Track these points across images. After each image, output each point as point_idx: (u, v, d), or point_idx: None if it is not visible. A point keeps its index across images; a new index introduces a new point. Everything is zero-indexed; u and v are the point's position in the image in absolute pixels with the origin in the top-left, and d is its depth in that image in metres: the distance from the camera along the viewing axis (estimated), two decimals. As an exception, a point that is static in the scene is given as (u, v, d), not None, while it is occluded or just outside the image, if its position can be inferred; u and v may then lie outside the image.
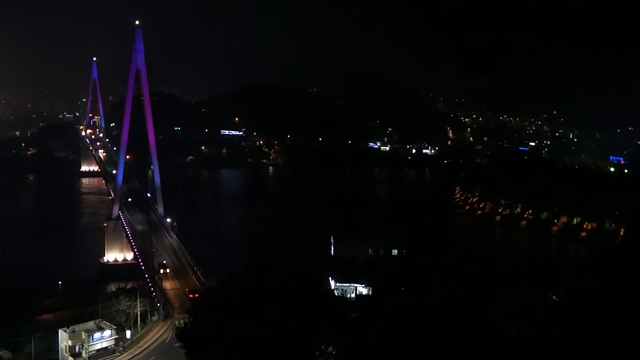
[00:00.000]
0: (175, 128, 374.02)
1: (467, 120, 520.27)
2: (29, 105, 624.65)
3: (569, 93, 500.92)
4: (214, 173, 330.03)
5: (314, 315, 50.06)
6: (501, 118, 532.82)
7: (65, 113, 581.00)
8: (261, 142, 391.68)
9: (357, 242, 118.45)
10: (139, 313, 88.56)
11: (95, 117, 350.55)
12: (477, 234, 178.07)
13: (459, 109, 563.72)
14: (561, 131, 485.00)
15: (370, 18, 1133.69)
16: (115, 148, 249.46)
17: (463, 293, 46.91)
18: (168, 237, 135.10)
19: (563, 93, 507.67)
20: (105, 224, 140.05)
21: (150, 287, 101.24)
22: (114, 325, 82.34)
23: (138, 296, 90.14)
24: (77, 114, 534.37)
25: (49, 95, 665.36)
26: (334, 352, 48.41)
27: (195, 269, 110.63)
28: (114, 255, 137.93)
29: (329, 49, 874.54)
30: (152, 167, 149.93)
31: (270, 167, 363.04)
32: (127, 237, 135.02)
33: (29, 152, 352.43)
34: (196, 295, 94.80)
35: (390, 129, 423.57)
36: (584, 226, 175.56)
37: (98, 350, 78.96)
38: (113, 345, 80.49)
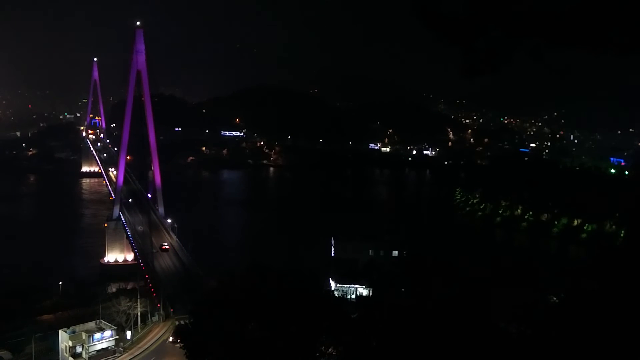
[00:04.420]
0: (176, 129, 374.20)
1: (467, 121, 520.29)
2: (29, 106, 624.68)
3: (569, 95, 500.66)
4: (214, 174, 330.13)
5: (314, 316, 50.08)
6: (502, 119, 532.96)
7: (66, 114, 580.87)
8: (262, 143, 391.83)
9: (358, 243, 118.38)
10: (139, 314, 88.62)
11: (96, 117, 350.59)
12: (477, 236, 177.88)
13: (460, 110, 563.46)
14: (562, 133, 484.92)
15: (371, 19, 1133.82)
16: (115, 149, 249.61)
17: (463, 294, 47.01)
18: (168, 237, 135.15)
19: (564, 95, 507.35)
20: (105, 225, 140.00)
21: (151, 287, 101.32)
22: (114, 325, 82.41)
23: (138, 297, 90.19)
24: (78, 115, 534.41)
25: (50, 95, 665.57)
26: (334, 353, 48.41)
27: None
28: (115, 255, 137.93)
29: (329, 51, 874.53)
30: (152, 167, 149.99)
31: (271, 168, 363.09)
32: (127, 237, 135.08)
33: (30, 153, 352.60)
34: (167, 248, 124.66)
35: (390, 131, 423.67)
36: (585, 228, 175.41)
37: (98, 350, 79.03)
38: (113, 346, 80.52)
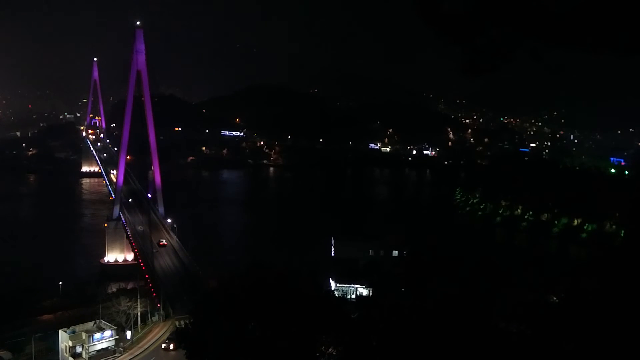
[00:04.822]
0: (176, 129, 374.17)
1: (467, 121, 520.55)
2: (29, 106, 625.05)
3: (569, 94, 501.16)
4: (214, 174, 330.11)
5: (315, 316, 50.03)
6: (502, 119, 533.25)
7: (65, 113, 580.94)
8: (262, 143, 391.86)
9: (358, 243, 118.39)
10: (139, 313, 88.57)
11: (96, 117, 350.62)
12: (477, 235, 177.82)
13: (460, 110, 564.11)
14: (562, 132, 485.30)
15: (371, 19, 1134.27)
16: (115, 149, 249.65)
17: (463, 294, 46.95)
18: (169, 237, 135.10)
19: (564, 94, 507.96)
20: (105, 225, 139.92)
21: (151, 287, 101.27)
22: (114, 325, 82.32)
23: (138, 297, 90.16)
24: (78, 115, 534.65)
25: (50, 95, 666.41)
26: (334, 353, 48.37)
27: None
28: (115, 255, 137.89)
29: (329, 51, 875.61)
30: (152, 167, 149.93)
31: (271, 168, 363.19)
32: (127, 237, 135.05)
33: (30, 153, 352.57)
34: (165, 244, 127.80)
35: (390, 130, 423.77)
36: (585, 228, 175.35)
37: (98, 350, 78.94)
38: (113, 346, 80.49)
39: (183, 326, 62.32)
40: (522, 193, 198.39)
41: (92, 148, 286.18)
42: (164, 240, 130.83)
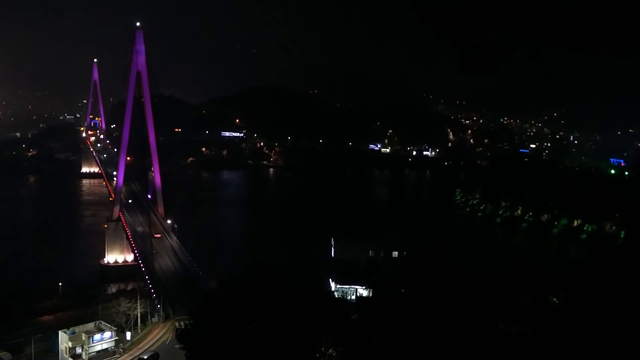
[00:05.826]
0: (176, 130, 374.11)
1: (467, 122, 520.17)
2: (29, 107, 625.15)
3: (569, 95, 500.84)
4: (214, 174, 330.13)
5: (315, 316, 50.02)
6: (502, 120, 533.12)
7: (65, 114, 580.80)
8: (262, 144, 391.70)
9: (358, 243, 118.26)
10: (139, 314, 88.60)
11: (96, 118, 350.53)
12: (477, 236, 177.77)
13: (460, 110, 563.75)
14: (562, 133, 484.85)
15: (371, 19, 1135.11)
16: (115, 149, 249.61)
17: (463, 295, 46.83)
18: (168, 238, 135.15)
19: (564, 95, 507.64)
20: (105, 225, 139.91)
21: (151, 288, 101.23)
22: (114, 326, 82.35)
23: (138, 298, 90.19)
24: (78, 116, 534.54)
25: (50, 96, 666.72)
26: (334, 354, 48.36)
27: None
28: (115, 256, 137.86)
29: (329, 51, 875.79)
30: (152, 168, 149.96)
31: (271, 169, 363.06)
32: (127, 238, 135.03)
33: (30, 154, 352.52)
34: (159, 236, 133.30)
35: (390, 131, 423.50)
36: (585, 228, 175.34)
37: (98, 351, 78.96)
38: (113, 347, 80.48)
39: (183, 327, 62.32)
40: (522, 194, 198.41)
41: (92, 149, 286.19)
42: (159, 233, 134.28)
